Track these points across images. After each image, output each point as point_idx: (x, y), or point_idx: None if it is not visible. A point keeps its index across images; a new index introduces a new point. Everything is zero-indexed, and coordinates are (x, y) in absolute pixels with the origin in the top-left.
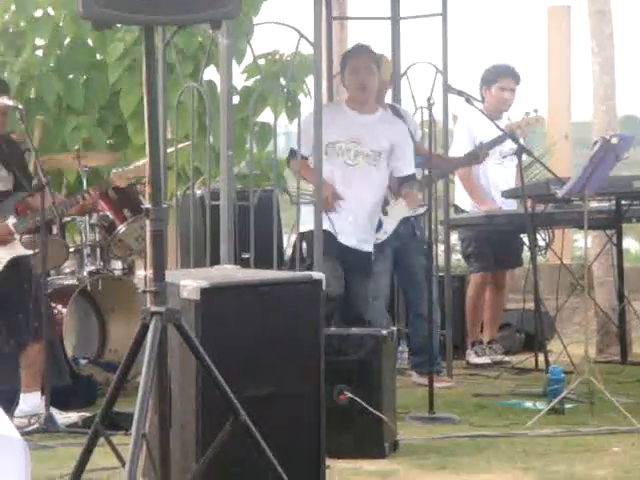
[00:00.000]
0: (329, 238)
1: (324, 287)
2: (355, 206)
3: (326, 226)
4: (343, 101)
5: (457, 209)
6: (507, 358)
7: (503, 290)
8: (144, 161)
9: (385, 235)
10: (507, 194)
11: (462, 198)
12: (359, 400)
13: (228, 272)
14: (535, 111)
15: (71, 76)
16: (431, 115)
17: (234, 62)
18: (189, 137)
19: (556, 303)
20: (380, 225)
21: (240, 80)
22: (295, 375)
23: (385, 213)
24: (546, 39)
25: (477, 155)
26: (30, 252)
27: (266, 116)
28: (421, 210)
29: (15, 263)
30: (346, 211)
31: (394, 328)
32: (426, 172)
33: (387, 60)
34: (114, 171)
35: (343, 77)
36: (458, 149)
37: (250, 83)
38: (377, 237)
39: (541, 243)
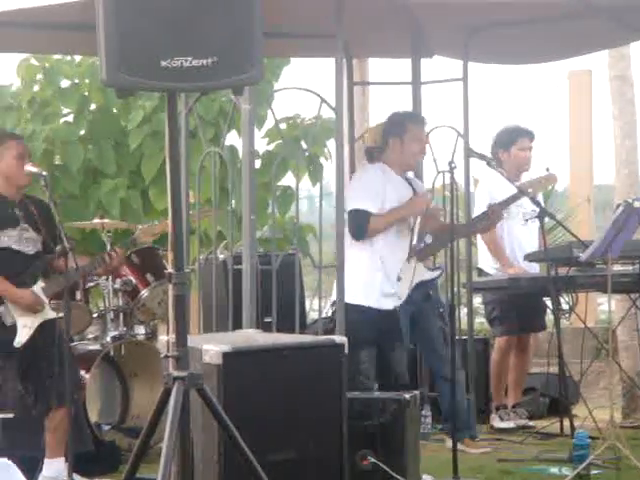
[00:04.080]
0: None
1: (346, 351)
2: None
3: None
4: (387, 165)
5: (481, 272)
6: (531, 422)
7: (527, 354)
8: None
9: (399, 301)
10: (530, 257)
11: (485, 261)
12: (382, 465)
13: (250, 336)
14: (547, 170)
15: (101, 142)
16: (453, 179)
17: (256, 127)
18: (211, 202)
19: (580, 367)
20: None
21: (262, 144)
22: (318, 439)
23: (398, 279)
24: (567, 103)
25: (487, 216)
26: (58, 315)
27: (288, 180)
28: (435, 274)
29: (43, 327)
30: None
31: (417, 392)
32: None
33: None
34: (140, 227)
35: (396, 140)
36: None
37: (272, 147)
38: None
39: (565, 306)
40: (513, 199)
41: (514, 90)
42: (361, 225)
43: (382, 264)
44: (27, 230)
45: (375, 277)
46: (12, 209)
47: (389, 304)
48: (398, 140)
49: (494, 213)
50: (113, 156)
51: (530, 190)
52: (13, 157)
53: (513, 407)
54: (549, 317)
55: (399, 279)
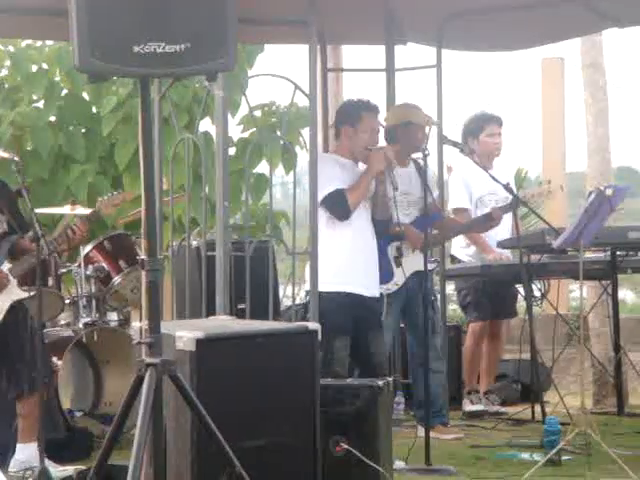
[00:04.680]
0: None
1: (319, 338)
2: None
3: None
4: (337, 154)
5: (453, 259)
6: (503, 409)
7: (499, 340)
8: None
9: (395, 287)
10: (503, 244)
11: (458, 248)
12: (355, 451)
13: (224, 323)
14: (548, 182)
15: (71, 128)
16: (426, 165)
17: (230, 114)
18: (185, 188)
19: (552, 354)
20: (391, 276)
21: (236, 132)
22: (291, 426)
23: (399, 265)
24: (540, 90)
25: (489, 219)
26: (27, 294)
27: (262, 167)
28: (433, 265)
29: (14, 307)
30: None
31: (390, 379)
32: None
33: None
34: (100, 199)
35: (349, 129)
36: (455, 200)
37: (247, 135)
38: (387, 288)
39: (537, 293)
40: (511, 207)
41: (487, 77)
42: (342, 203)
43: (358, 243)
44: None
45: (354, 259)
46: None
47: (365, 290)
48: (351, 129)
49: (496, 218)
50: (83, 142)
51: (532, 200)
52: None
53: (485, 393)
54: (521, 304)
55: (399, 265)
